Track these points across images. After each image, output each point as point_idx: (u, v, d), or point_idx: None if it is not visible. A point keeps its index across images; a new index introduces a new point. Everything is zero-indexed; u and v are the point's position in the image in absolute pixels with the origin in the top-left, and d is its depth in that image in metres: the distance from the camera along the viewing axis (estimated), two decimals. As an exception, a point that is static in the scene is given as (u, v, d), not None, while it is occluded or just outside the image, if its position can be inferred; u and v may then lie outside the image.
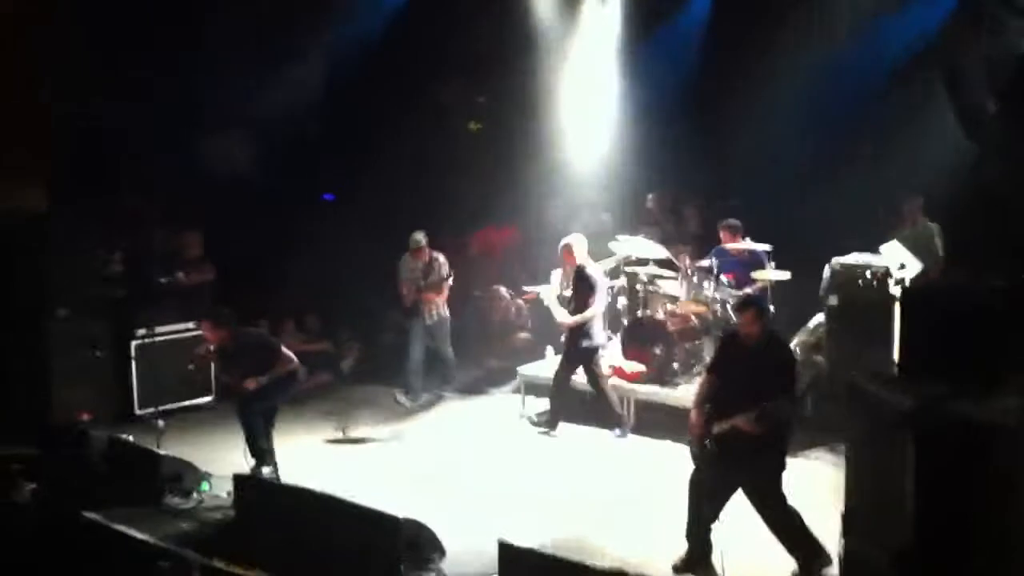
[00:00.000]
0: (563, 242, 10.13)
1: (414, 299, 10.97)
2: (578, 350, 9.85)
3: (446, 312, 11.16)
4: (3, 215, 9.91)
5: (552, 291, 10.61)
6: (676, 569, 6.90)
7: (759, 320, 6.81)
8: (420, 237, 11.05)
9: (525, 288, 11.33)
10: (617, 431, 9.77)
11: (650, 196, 13.13)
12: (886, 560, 6.07)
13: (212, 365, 10.02)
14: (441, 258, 11.12)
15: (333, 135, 14.47)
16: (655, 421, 9.80)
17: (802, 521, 6.74)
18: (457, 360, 11.80)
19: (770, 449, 6.66)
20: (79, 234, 10.14)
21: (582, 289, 9.86)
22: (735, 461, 6.61)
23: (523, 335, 12.22)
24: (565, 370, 10.00)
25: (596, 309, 9.80)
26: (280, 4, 13.86)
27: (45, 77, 10.32)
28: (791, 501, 6.80)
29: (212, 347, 8.86)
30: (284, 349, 8.88)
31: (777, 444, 6.72)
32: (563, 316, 10.05)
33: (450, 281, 11.03)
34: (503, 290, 12.00)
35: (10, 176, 9.96)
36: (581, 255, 9.99)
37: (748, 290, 10.17)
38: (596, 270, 10.07)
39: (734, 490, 6.75)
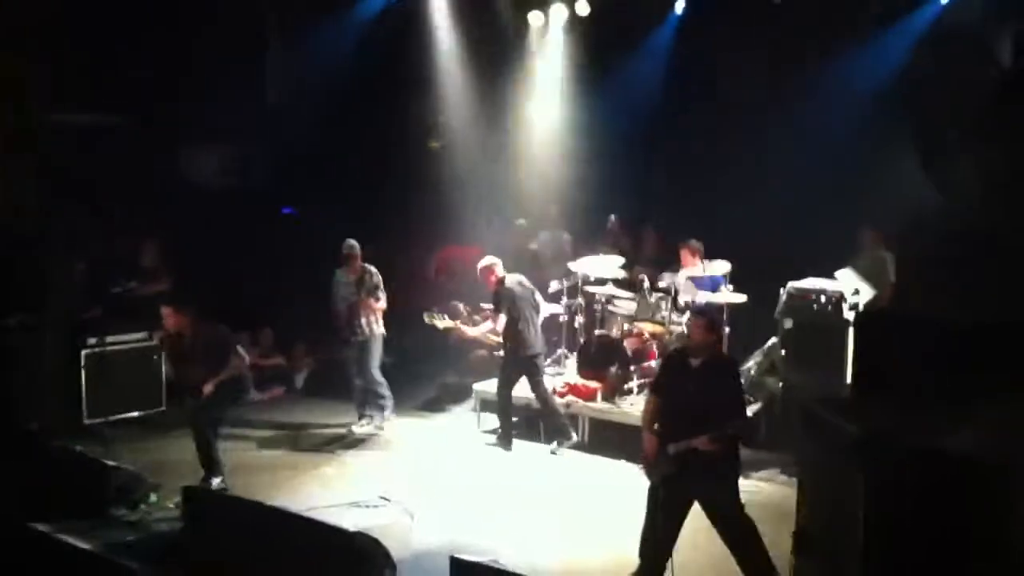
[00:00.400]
0: (484, 263, 10.18)
1: (349, 318, 10.39)
2: (516, 360, 9.90)
3: (379, 329, 10.52)
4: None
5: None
6: (628, 586, 6.90)
7: (710, 331, 6.80)
8: (353, 243, 10.51)
9: (483, 305, 11.29)
10: (555, 444, 9.82)
11: (611, 217, 13.22)
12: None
13: (165, 358, 9.82)
14: (374, 271, 10.51)
15: (295, 149, 14.44)
16: (609, 439, 9.82)
17: (757, 533, 6.75)
18: (412, 378, 11.78)
19: (726, 462, 6.68)
20: (32, 242, 9.98)
21: (495, 304, 10.04)
22: (692, 477, 6.61)
23: (481, 352, 12.21)
24: (505, 383, 10.06)
25: (500, 319, 9.88)
26: (247, 21, 13.90)
27: (12, 86, 10.17)
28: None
29: (168, 333, 8.82)
30: (239, 348, 8.86)
31: (732, 457, 6.74)
32: (471, 330, 10.62)
33: (382, 299, 10.46)
34: (460, 306, 11.99)
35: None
36: (501, 274, 10.12)
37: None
38: (511, 285, 10.08)
39: (690, 505, 6.76)
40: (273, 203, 14.75)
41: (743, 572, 6.79)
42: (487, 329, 10.37)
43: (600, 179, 13.22)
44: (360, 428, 10.48)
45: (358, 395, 10.52)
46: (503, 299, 9.93)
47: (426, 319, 10.72)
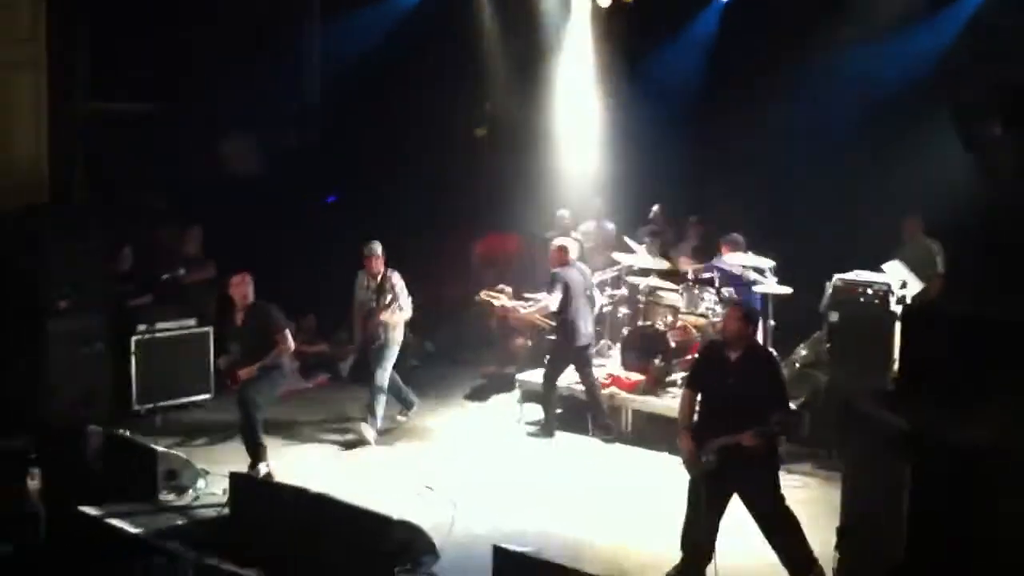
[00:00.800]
0: (559, 243, 10.28)
1: (365, 325, 9.94)
2: (566, 349, 9.93)
3: (399, 336, 10.02)
4: (6, 210, 9.90)
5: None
6: (670, 577, 6.90)
7: (743, 324, 6.74)
8: (375, 244, 9.94)
9: (526, 295, 11.30)
10: (599, 434, 9.85)
11: (655, 207, 13.18)
12: (880, 577, 6.09)
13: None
14: (396, 279, 9.94)
15: (338, 138, 14.51)
16: (653, 431, 9.81)
17: (799, 527, 6.72)
18: (455, 367, 11.79)
19: (766, 457, 6.65)
20: (80, 229, 10.11)
21: (551, 283, 10.00)
22: (734, 471, 6.59)
23: (521, 340, 12.24)
24: (553, 372, 10.08)
25: (552, 300, 9.86)
26: (285, 9, 13.98)
27: (53, 74, 10.31)
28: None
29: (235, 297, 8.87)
30: (287, 333, 8.89)
31: (773, 450, 6.71)
32: (525, 309, 10.50)
33: (406, 308, 9.96)
34: (508, 289, 11.96)
35: (13, 172, 9.96)
36: (570, 257, 10.11)
37: (754, 297, 10.21)
38: (573, 271, 10.09)
39: (729, 499, 6.74)
40: (317, 190, 14.84)
41: (784, 566, 6.77)
42: (539, 308, 10.29)
43: (645, 169, 13.18)
44: (403, 417, 10.47)
45: (392, 391, 10.23)
46: (558, 280, 9.91)
47: (482, 296, 10.67)
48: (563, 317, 9.93)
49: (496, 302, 10.59)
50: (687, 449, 6.75)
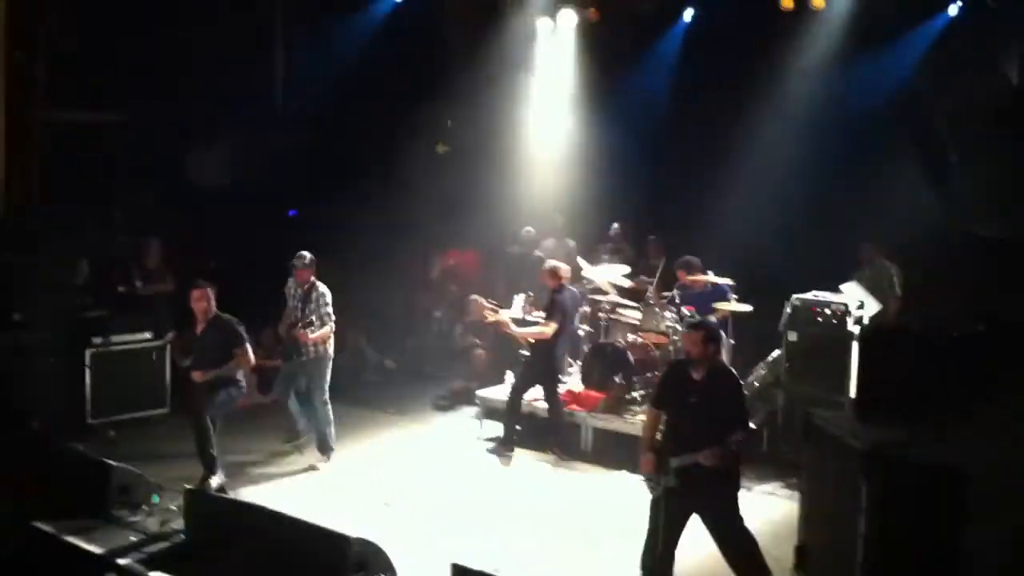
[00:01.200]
0: (552, 265, 10.14)
1: (292, 335, 9.54)
2: (542, 371, 9.93)
3: (329, 351, 9.66)
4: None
5: (512, 314, 10.65)
6: (628, 597, 6.88)
7: (706, 343, 6.72)
8: (305, 256, 9.62)
9: (526, 316, 11.17)
10: (558, 452, 9.85)
11: (615, 225, 13.23)
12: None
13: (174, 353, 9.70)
14: (323, 289, 9.61)
15: (302, 150, 14.45)
16: (612, 450, 9.81)
17: (757, 547, 6.73)
18: (416, 380, 11.73)
19: (727, 476, 6.66)
20: (36, 241, 9.98)
21: (549, 308, 9.93)
22: (694, 490, 6.59)
23: (480, 352, 12.26)
24: (521, 387, 10.06)
25: (551, 327, 9.80)
26: (251, 20, 13.92)
27: (9, 82, 10.18)
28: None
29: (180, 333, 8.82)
30: (247, 347, 8.83)
31: (734, 469, 6.71)
32: (518, 329, 10.23)
33: (328, 324, 9.55)
34: (481, 301, 11.94)
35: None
36: (563, 279, 10.09)
37: (711, 318, 10.26)
38: (567, 295, 10.12)
39: (688, 518, 6.74)
40: (277, 204, 14.76)
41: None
42: (537, 333, 9.97)
43: (606, 187, 13.24)
44: (288, 445, 9.93)
45: (294, 409, 9.83)
46: (557, 308, 9.89)
47: (477, 302, 10.57)
48: (552, 343, 9.89)
49: (491, 316, 10.47)
50: (648, 468, 6.74)
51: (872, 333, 8.36)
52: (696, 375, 6.76)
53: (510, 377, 10.91)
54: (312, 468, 9.58)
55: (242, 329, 8.88)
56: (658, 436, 6.88)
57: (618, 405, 10.13)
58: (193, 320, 8.97)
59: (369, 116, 14.14)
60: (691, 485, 6.57)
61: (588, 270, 11.44)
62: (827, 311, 9.66)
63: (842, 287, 10.17)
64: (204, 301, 8.77)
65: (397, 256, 13.91)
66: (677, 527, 6.71)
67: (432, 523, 8.20)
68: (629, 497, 8.49)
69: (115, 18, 12.47)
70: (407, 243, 14.12)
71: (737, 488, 6.80)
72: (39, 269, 9.93)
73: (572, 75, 14.08)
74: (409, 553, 7.29)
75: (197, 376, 8.55)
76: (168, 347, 10.48)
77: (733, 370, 7.19)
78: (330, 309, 9.60)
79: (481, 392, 10.94)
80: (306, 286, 9.61)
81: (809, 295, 9.88)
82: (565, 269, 10.22)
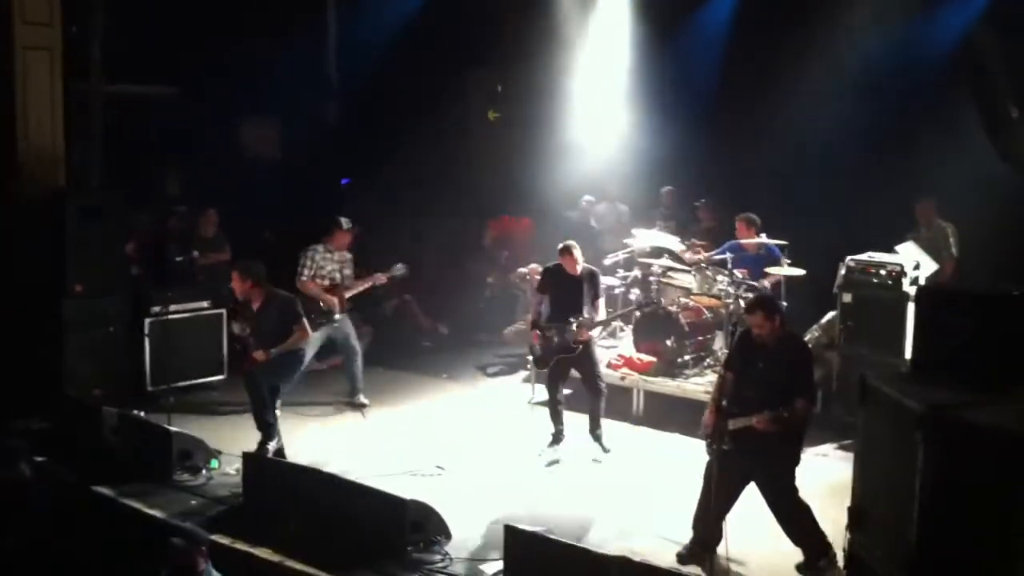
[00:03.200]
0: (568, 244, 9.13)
1: (330, 299, 9.99)
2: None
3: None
4: (23, 194, 9.95)
5: None
6: (681, 558, 6.91)
7: (769, 320, 6.75)
8: (348, 220, 10.22)
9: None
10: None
11: (664, 189, 13.15)
12: (891, 558, 6.08)
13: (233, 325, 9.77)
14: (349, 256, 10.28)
15: (354, 120, 14.53)
16: (664, 413, 9.81)
17: (811, 514, 6.75)
18: (468, 346, 11.90)
19: (785, 443, 6.64)
20: (97, 213, 10.14)
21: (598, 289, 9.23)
22: (750, 454, 6.59)
23: (519, 326, 12.30)
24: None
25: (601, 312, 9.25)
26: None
27: (69, 57, 10.33)
28: (801, 494, 6.80)
29: (238, 301, 8.87)
30: (304, 321, 8.91)
31: (792, 438, 6.69)
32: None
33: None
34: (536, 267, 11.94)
35: (30, 156, 10.00)
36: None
37: (764, 283, 10.18)
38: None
39: (746, 482, 6.75)
40: (334, 172, 14.87)
41: (798, 547, 6.78)
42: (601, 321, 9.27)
43: (659, 151, 13.14)
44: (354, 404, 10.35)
45: (356, 375, 10.38)
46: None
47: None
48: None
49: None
50: (708, 427, 6.76)
51: (929, 293, 8.22)
52: (765, 342, 6.77)
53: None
54: (361, 416, 9.96)
55: (299, 305, 8.96)
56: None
57: (670, 369, 10.11)
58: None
59: (421, 84, 14.17)
60: (746, 450, 6.57)
61: (641, 235, 11.39)
62: (882, 272, 9.54)
63: (898, 247, 10.03)
64: (236, 284, 8.80)
65: (450, 223, 13.97)
66: (730, 491, 6.72)
67: (485, 486, 8.27)
68: (681, 460, 8.51)
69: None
70: (460, 210, 14.17)
71: (795, 457, 6.77)
72: (99, 240, 10.07)
73: (626, 40, 13.93)
74: (463, 515, 7.37)
75: (260, 355, 8.61)
76: (225, 314, 10.60)
77: (802, 338, 7.16)
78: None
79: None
80: (345, 250, 10.14)
81: (864, 256, 9.76)
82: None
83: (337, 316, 10.03)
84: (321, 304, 9.92)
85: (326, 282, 10.04)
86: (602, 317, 9.14)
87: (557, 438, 9.10)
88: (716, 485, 6.66)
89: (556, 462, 8.91)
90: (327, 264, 10.07)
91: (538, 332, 9.00)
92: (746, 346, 6.96)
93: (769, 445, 6.58)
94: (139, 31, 12.53)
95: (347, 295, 10.16)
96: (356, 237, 10.46)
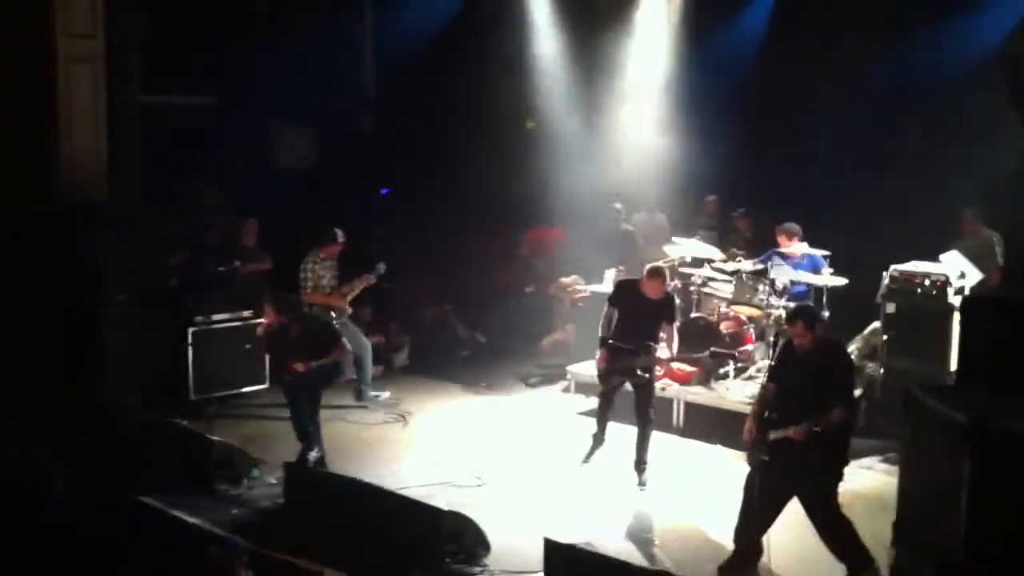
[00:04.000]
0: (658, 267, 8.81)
1: (329, 303, 10.38)
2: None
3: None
4: (66, 204, 10.07)
5: (603, 289, 10.60)
6: (722, 571, 6.85)
7: (810, 330, 6.68)
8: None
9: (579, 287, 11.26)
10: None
11: (708, 198, 13.08)
12: (936, 573, 5.99)
13: (269, 348, 9.96)
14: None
15: (390, 132, 14.58)
16: (705, 424, 9.74)
17: (853, 529, 6.66)
18: (506, 356, 12.05)
19: (828, 456, 6.56)
20: (139, 222, 10.24)
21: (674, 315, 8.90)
22: (791, 466, 6.53)
23: (557, 337, 12.29)
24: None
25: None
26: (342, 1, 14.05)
27: (111, 67, 10.44)
28: (843, 508, 6.72)
29: (270, 325, 8.97)
30: (343, 340, 9.02)
31: (834, 450, 6.60)
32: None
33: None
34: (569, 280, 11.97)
35: (74, 166, 10.12)
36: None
37: (802, 288, 10.10)
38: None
39: (789, 496, 6.68)
40: (372, 182, 14.92)
41: (841, 563, 6.69)
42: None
43: (700, 161, 13.04)
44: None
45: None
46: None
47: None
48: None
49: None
50: (748, 438, 6.70)
51: (974, 303, 8.12)
52: (806, 352, 6.71)
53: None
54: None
55: (333, 327, 9.13)
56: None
57: (710, 379, 10.04)
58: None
59: (456, 94, 14.19)
60: (787, 461, 6.50)
61: (681, 244, 11.33)
62: (927, 282, 9.43)
63: (942, 257, 9.91)
64: (271, 315, 8.96)
65: (486, 232, 13.96)
66: (772, 503, 6.66)
67: (524, 497, 8.25)
68: (722, 472, 8.45)
69: (203, 1, 12.71)
70: (497, 219, 14.16)
71: (837, 470, 6.66)
72: (141, 250, 10.17)
73: (662, 46, 13.87)
74: (502, 527, 7.36)
75: (300, 366, 8.69)
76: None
77: (843, 347, 7.08)
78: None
79: (571, 367, 10.94)
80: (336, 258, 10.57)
81: (908, 265, 9.66)
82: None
83: (344, 319, 10.43)
84: (333, 313, 10.24)
85: (327, 290, 10.38)
86: (676, 348, 8.77)
87: (595, 446, 9.01)
88: (758, 498, 6.60)
89: (596, 473, 8.85)
90: (325, 272, 10.42)
91: (606, 350, 8.62)
92: (787, 356, 6.91)
93: (810, 457, 6.50)
94: (174, 41, 12.64)
95: (348, 297, 10.56)
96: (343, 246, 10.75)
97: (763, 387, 7.09)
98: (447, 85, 14.20)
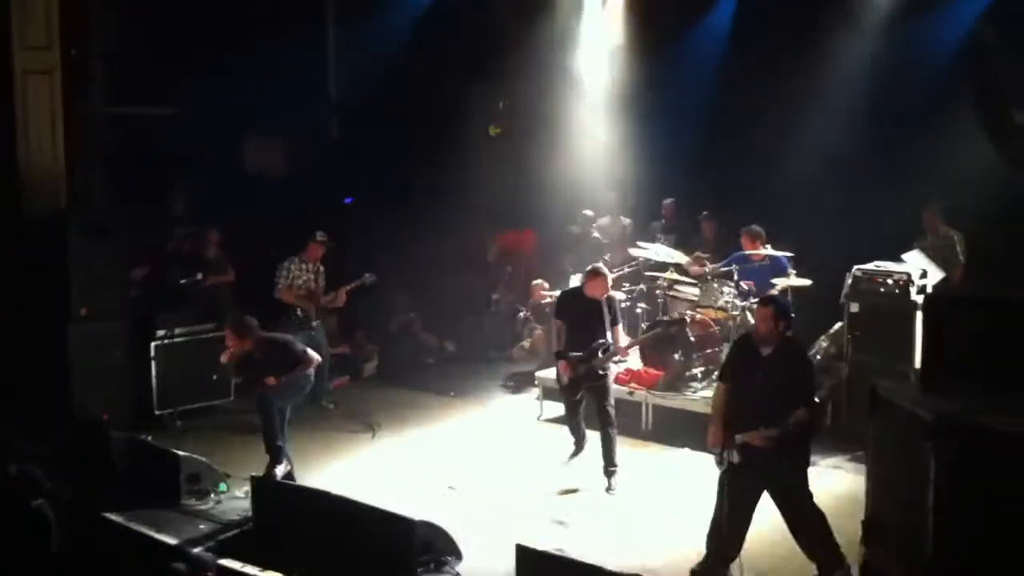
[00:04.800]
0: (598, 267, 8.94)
1: (308, 306, 10.70)
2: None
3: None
4: (26, 217, 9.95)
5: None
6: (695, 574, 6.85)
7: (776, 320, 6.67)
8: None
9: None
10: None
11: (666, 201, 13.11)
12: (906, 571, 6.03)
13: (237, 374, 9.91)
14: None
15: (356, 138, 14.51)
16: (673, 427, 9.76)
17: (826, 528, 6.66)
18: (474, 362, 12.07)
19: (795, 454, 6.58)
20: (99, 234, 10.13)
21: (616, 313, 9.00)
22: (760, 467, 6.53)
23: (540, 333, 12.28)
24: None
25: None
26: (303, 10, 13.99)
27: (68, 78, 10.35)
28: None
29: (233, 351, 8.89)
30: (308, 352, 8.96)
31: (800, 448, 6.62)
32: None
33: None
34: (541, 283, 11.98)
35: (32, 177, 10.02)
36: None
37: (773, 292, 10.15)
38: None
39: (759, 495, 6.68)
40: (337, 190, 14.85)
41: (812, 562, 6.70)
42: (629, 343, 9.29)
43: (659, 163, 13.09)
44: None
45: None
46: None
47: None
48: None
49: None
50: (715, 441, 6.71)
51: (936, 300, 8.20)
52: (764, 351, 6.70)
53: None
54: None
55: (296, 346, 8.99)
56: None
57: (678, 382, 10.06)
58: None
59: (422, 100, 14.16)
60: (755, 461, 6.51)
61: (646, 248, 11.36)
62: (889, 281, 9.51)
63: (904, 256, 10.00)
64: (233, 342, 8.85)
65: (453, 239, 13.94)
66: (744, 505, 6.66)
67: (496, 505, 8.23)
68: (692, 475, 8.47)
69: (166, 12, 12.61)
70: (463, 226, 14.14)
71: (805, 465, 6.71)
72: (102, 262, 10.05)
73: (622, 50, 13.91)
74: (474, 535, 7.33)
75: (271, 380, 8.67)
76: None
77: (803, 346, 7.10)
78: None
79: (541, 373, 10.94)
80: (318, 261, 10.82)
81: (871, 265, 9.73)
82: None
83: (314, 323, 10.67)
84: (299, 311, 10.54)
85: (302, 291, 10.65)
86: (626, 343, 8.99)
87: (579, 448, 9.10)
88: (729, 500, 6.60)
89: (566, 479, 8.84)
90: (302, 275, 10.69)
91: (566, 362, 8.71)
92: (743, 356, 6.89)
93: (778, 457, 6.52)
94: (138, 52, 12.54)
95: (332, 307, 10.98)
96: (329, 250, 10.99)
97: (718, 388, 7.04)
98: (413, 90, 14.18)
